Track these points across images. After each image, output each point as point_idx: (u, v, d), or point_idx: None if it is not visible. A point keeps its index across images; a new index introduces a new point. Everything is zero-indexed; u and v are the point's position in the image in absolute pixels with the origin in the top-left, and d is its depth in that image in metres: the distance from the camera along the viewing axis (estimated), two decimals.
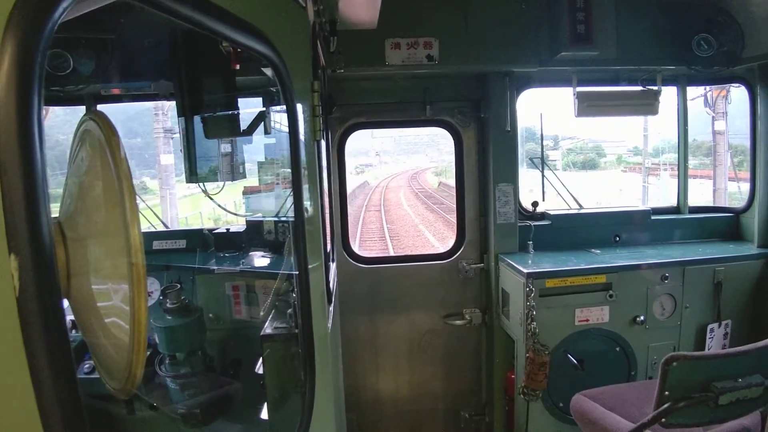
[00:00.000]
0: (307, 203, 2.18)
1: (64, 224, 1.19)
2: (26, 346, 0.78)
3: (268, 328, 2.63)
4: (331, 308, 2.93)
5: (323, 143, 2.88)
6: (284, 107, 2.01)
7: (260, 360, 2.70)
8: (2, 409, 0.80)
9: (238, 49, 2.58)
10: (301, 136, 2.14)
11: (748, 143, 5.48)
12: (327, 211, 3.08)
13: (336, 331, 3.68)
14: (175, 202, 15.13)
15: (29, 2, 0.78)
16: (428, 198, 32.93)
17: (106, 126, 1.16)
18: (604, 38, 4.71)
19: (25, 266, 0.77)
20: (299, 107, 2.10)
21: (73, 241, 1.16)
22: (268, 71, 1.94)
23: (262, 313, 3.46)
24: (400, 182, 43.40)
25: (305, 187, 2.17)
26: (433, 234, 21.88)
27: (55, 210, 1.25)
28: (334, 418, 2.69)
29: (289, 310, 2.55)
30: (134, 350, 1.14)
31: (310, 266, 2.19)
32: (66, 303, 1.20)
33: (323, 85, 2.99)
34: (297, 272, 2.16)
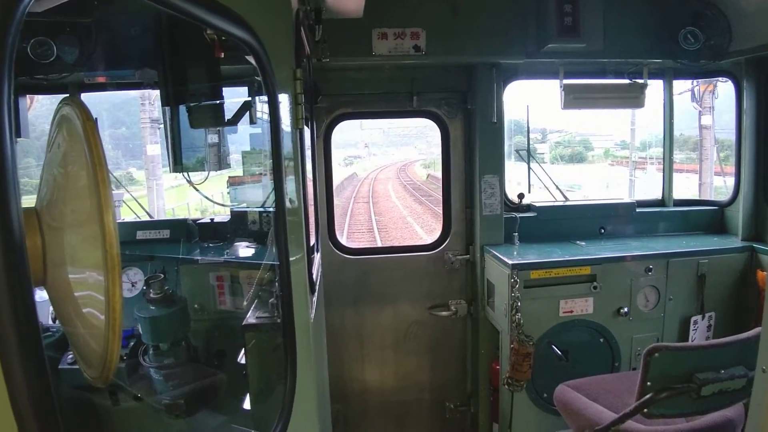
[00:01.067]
0: (288, 193, 2.16)
1: (41, 212, 1.18)
2: None
3: (250, 318, 2.62)
4: (314, 299, 2.93)
5: (307, 133, 2.86)
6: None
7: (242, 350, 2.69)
8: None
9: (223, 38, 2.55)
10: (283, 125, 2.12)
11: (733, 137, 5.51)
12: (310, 201, 3.07)
13: (320, 321, 3.67)
14: (161, 192, 15.06)
15: None
16: (416, 190, 32.88)
17: (82, 111, 1.14)
18: (591, 30, 4.72)
19: None
20: (281, 95, 2.08)
21: (51, 229, 1.15)
22: (251, 58, 1.91)
23: (245, 304, 3.44)
24: (388, 174, 43.30)
25: (287, 177, 2.16)
26: (421, 226, 21.88)
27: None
28: (316, 409, 2.69)
29: (272, 300, 2.54)
30: (109, 338, 1.13)
31: (291, 258, 2.18)
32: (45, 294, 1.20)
33: (308, 74, 2.97)
34: (278, 263, 2.15)
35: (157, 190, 14.78)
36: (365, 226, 22.38)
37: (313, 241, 3.26)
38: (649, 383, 3.14)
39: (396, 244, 17.90)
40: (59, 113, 1.23)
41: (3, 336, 0.78)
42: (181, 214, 15.32)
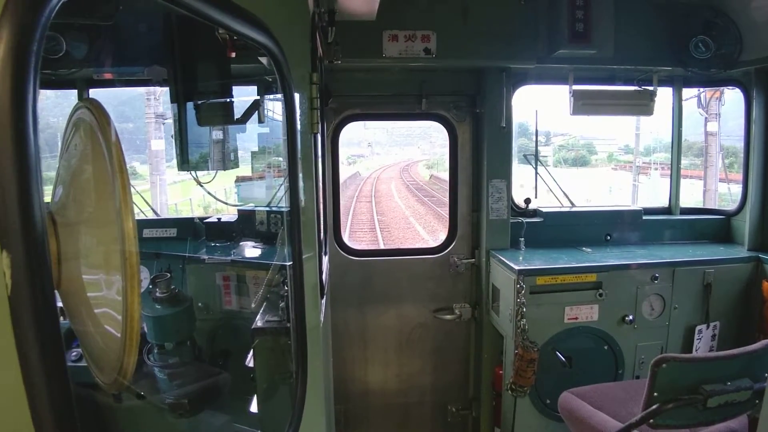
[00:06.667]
0: (302, 194, 2.15)
1: (56, 212, 1.16)
2: (18, 347, 0.75)
3: (259, 321, 2.61)
4: (323, 301, 2.91)
5: (319, 135, 2.85)
6: (280, 97, 1.98)
7: (250, 352, 2.67)
8: None
9: (235, 37, 2.54)
10: (298, 128, 2.11)
11: (739, 145, 5.50)
12: (321, 203, 3.06)
13: (327, 323, 3.66)
14: (165, 188, 15.04)
15: None
16: (419, 190, 32.93)
17: (101, 115, 1.13)
18: (603, 37, 4.71)
19: (18, 264, 0.73)
20: (297, 99, 2.07)
21: (64, 227, 1.13)
22: (265, 61, 1.90)
23: (253, 305, 3.43)
24: (391, 174, 43.35)
25: (301, 178, 2.14)
26: (423, 226, 21.88)
27: (46, 195, 1.22)
28: (324, 411, 2.68)
29: (281, 303, 2.53)
30: (126, 344, 1.11)
31: (304, 259, 2.17)
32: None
33: (320, 76, 2.96)
34: (291, 263, 2.14)
35: (160, 185, 14.76)
36: (367, 226, 22.39)
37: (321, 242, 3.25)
38: (655, 394, 3.13)
39: (398, 244, 17.92)
40: (76, 114, 1.21)
41: (26, 351, 0.76)
42: (184, 210, 15.33)
